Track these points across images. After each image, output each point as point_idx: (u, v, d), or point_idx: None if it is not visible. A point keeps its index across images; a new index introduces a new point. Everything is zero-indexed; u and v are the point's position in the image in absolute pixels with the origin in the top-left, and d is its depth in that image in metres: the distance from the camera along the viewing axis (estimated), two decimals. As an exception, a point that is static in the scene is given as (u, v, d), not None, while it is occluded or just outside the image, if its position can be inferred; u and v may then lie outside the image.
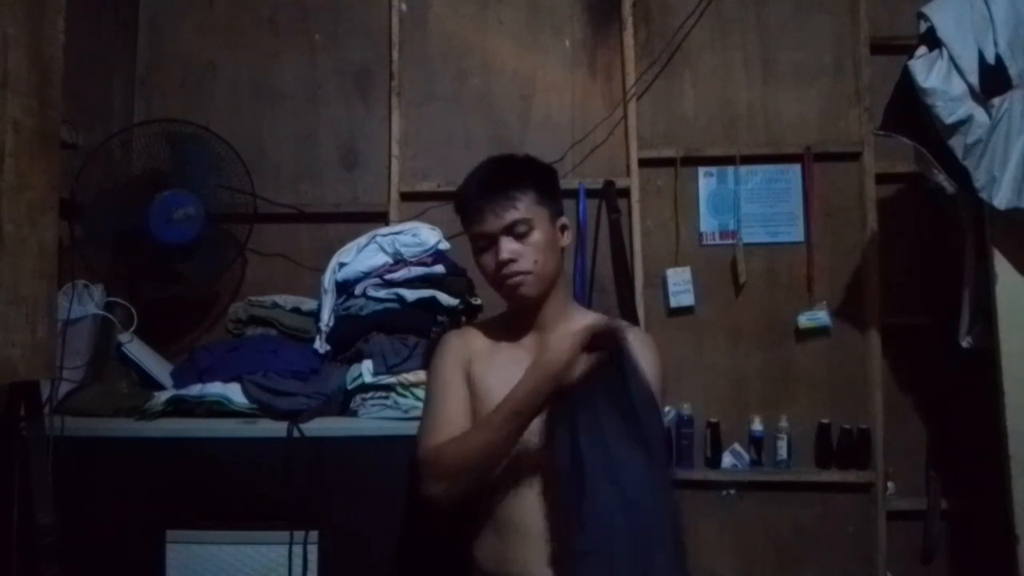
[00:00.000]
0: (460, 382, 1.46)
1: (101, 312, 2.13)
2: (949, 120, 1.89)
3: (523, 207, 1.40)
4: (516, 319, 1.51)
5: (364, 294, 2.16)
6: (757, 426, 2.45)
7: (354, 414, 1.95)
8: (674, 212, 2.55)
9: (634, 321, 2.32)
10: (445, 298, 2.15)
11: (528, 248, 1.40)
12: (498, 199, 1.40)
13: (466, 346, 1.52)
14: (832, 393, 2.48)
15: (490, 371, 1.45)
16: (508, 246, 1.40)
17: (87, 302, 2.11)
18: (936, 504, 2.39)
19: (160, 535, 1.80)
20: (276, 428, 1.85)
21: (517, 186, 1.42)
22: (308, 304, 2.33)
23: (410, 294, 2.12)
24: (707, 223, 2.57)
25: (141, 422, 1.90)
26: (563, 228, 1.48)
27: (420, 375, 1.93)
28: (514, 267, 1.40)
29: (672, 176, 2.56)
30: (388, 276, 2.16)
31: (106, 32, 2.54)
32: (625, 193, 2.54)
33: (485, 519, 1.45)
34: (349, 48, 2.68)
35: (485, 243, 1.43)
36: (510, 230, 1.40)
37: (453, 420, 1.41)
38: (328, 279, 2.20)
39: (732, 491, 2.46)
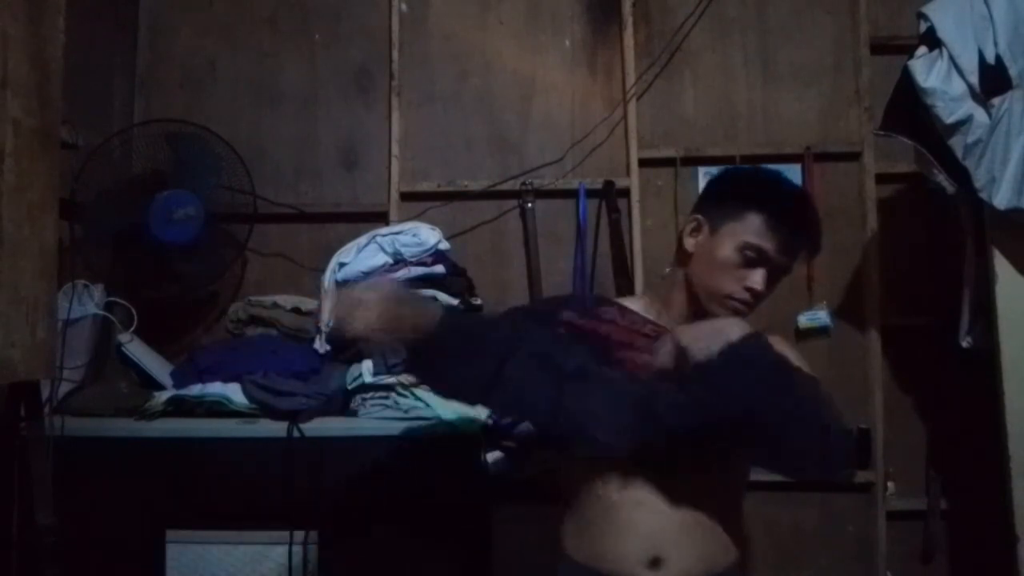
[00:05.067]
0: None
1: (101, 312, 2.13)
2: (949, 120, 1.89)
3: (795, 264, 1.38)
4: (674, 313, 1.42)
5: (364, 294, 2.15)
6: (757, 426, 2.45)
7: (354, 414, 1.95)
8: (674, 212, 2.54)
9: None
10: (445, 298, 2.15)
11: (767, 292, 1.36)
12: (804, 248, 1.38)
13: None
14: (832, 393, 2.47)
15: None
16: (765, 281, 1.34)
17: (87, 302, 2.11)
18: (936, 504, 2.39)
19: (160, 535, 1.80)
20: (276, 428, 1.86)
21: (813, 248, 1.41)
22: (308, 304, 2.33)
23: (410, 294, 2.12)
24: (707, 223, 2.56)
25: (141, 422, 1.90)
26: None
27: (420, 375, 1.93)
28: (751, 299, 1.34)
29: (672, 176, 2.56)
30: (388, 276, 2.16)
31: (106, 32, 2.54)
32: (625, 193, 2.54)
33: (584, 509, 1.38)
34: (349, 48, 2.68)
35: (754, 257, 1.33)
36: (777, 272, 1.35)
37: None
38: (328, 279, 2.20)
39: (732, 491, 2.46)
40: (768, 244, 1.32)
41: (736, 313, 1.34)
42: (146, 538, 1.80)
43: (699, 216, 1.40)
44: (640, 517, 1.31)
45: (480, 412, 1.89)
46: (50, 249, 1.53)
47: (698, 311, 1.38)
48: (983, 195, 1.89)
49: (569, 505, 1.43)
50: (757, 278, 1.32)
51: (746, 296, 1.33)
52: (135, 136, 2.36)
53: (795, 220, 1.35)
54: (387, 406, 1.92)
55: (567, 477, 1.43)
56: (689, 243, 1.39)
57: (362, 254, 2.19)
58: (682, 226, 1.44)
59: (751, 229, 1.32)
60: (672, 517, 1.31)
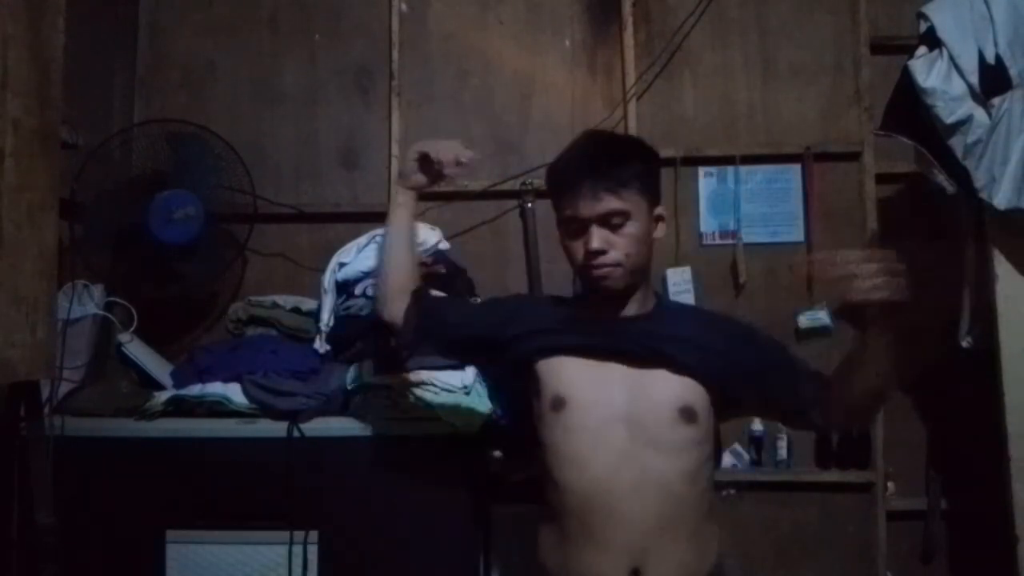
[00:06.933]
0: (484, 317, 1.53)
1: (101, 312, 2.13)
2: (949, 120, 1.89)
3: (623, 197, 1.30)
4: (597, 305, 1.41)
5: (364, 294, 2.16)
6: (757, 426, 2.45)
7: (354, 414, 1.95)
8: (674, 212, 2.54)
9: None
10: (445, 298, 2.15)
11: (621, 240, 1.31)
12: (598, 184, 1.30)
13: (535, 306, 1.53)
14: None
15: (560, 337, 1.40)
16: (600, 235, 1.30)
17: (87, 302, 2.11)
18: (936, 504, 2.39)
19: (160, 535, 1.80)
20: (276, 428, 1.86)
21: (620, 172, 1.31)
22: (308, 304, 2.33)
23: (410, 294, 2.12)
24: (707, 223, 2.56)
25: (141, 422, 1.90)
26: (658, 219, 1.39)
27: (420, 375, 1.93)
28: (603, 259, 1.31)
29: (672, 176, 2.55)
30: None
31: (106, 32, 2.54)
32: (625, 193, 2.54)
33: (561, 520, 1.35)
34: (349, 48, 2.68)
35: (576, 227, 1.33)
36: (605, 220, 1.30)
37: (436, 313, 1.52)
38: (328, 279, 2.20)
39: (732, 491, 2.46)
40: (571, 208, 1.33)
41: (602, 280, 1.34)
42: (146, 538, 1.80)
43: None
44: (617, 529, 1.29)
45: (480, 412, 1.89)
46: (50, 249, 1.53)
47: (606, 303, 1.40)
48: (983, 195, 1.90)
49: (547, 516, 1.40)
50: (591, 241, 1.31)
51: (594, 260, 1.32)
52: (135, 136, 2.36)
53: (571, 167, 1.36)
54: (387, 406, 1.92)
55: (545, 487, 1.40)
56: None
57: (362, 254, 2.19)
58: None
59: (558, 206, 1.37)
60: (649, 527, 1.29)
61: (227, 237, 2.40)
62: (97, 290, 2.16)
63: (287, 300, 2.34)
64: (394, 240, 1.51)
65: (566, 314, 1.44)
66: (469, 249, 2.51)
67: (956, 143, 1.90)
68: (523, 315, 1.46)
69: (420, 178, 1.51)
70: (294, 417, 1.87)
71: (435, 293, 1.63)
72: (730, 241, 2.54)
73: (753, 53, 2.59)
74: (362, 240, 2.22)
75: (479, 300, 1.55)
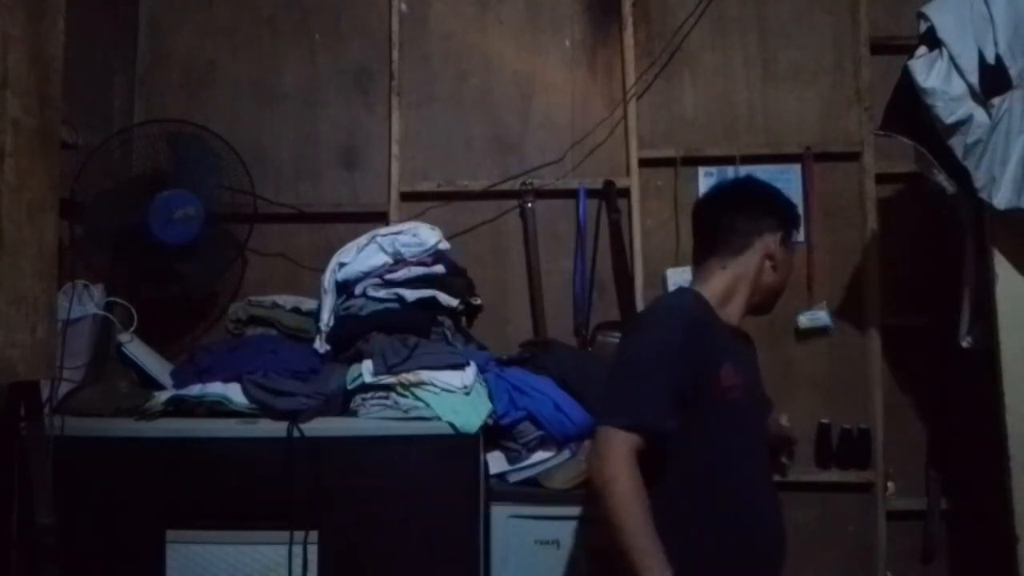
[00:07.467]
0: (684, 365, 1.39)
1: (101, 312, 2.13)
2: (949, 120, 1.89)
3: None
4: (731, 327, 1.56)
5: (364, 294, 2.16)
6: (757, 426, 2.45)
7: (354, 414, 1.95)
8: (674, 212, 2.54)
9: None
10: (445, 298, 2.15)
11: None
12: None
13: (705, 321, 1.50)
14: (832, 393, 2.48)
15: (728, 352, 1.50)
16: None
17: (87, 302, 2.11)
18: (936, 504, 2.39)
19: (160, 535, 1.80)
20: (276, 428, 1.86)
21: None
22: (308, 304, 2.33)
23: (410, 294, 2.12)
24: (707, 223, 2.56)
25: (141, 422, 1.90)
26: None
27: (420, 375, 1.93)
28: None
29: (672, 176, 2.56)
30: (388, 276, 2.16)
31: (106, 32, 2.54)
32: (625, 193, 2.54)
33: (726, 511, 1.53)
34: (349, 48, 2.68)
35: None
36: None
37: (652, 409, 1.36)
38: (328, 279, 2.20)
39: (732, 491, 2.45)
40: (798, 234, 1.70)
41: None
42: (146, 538, 1.80)
43: (783, 230, 1.60)
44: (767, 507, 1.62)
45: (480, 412, 1.89)
46: (50, 249, 1.53)
47: (748, 311, 1.59)
48: (983, 195, 1.90)
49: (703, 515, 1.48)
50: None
51: None
52: (135, 136, 2.36)
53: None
54: (387, 406, 1.92)
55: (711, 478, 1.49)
56: (780, 254, 1.58)
57: (362, 254, 2.19)
58: (768, 240, 1.57)
59: (794, 231, 1.64)
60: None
61: (227, 237, 2.40)
62: (97, 290, 2.15)
63: (287, 300, 2.34)
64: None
65: (724, 338, 1.53)
66: (469, 249, 2.52)
67: (956, 143, 1.90)
68: (704, 343, 1.46)
69: None
70: (294, 417, 1.87)
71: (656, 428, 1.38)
72: (730, 241, 2.53)
73: (753, 53, 2.59)
74: (362, 240, 2.22)
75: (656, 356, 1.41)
